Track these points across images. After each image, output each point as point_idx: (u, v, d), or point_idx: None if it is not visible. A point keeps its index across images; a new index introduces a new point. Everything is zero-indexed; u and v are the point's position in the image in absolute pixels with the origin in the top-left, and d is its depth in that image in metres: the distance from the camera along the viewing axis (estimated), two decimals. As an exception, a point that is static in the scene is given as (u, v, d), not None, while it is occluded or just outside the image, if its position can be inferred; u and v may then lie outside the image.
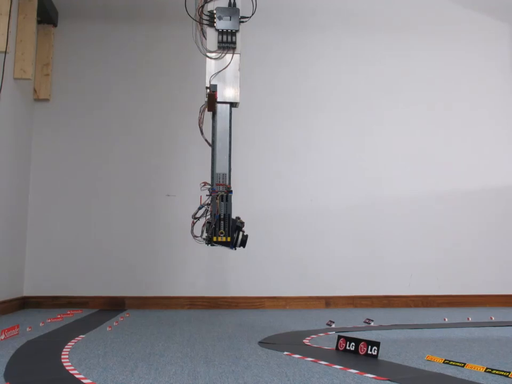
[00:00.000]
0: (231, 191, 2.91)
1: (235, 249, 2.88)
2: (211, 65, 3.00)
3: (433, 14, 4.47)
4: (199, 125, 3.03)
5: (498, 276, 4.23)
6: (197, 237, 2.85)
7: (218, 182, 2.93)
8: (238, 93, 2.98)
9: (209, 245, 2.81)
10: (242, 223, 2.91)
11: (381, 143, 4.27)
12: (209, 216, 2.88)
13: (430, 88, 4.38)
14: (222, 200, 2.88)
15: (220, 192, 2.90)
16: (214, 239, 2.80)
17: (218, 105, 2.98)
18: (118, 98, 4.09)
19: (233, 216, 2.85)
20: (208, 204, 2.94)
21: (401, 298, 4.08)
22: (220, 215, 2.85)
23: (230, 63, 2.97)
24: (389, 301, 4.06)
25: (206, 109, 3.02)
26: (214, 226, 2.81)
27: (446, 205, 4.26)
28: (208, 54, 2.99)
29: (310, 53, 4.30)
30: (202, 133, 3.03)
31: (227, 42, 2.96)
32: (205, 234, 2.86)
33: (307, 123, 4.22)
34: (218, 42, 2.98)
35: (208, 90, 2.94)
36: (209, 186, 3.02)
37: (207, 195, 2.95)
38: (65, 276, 3.85)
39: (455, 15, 4.49)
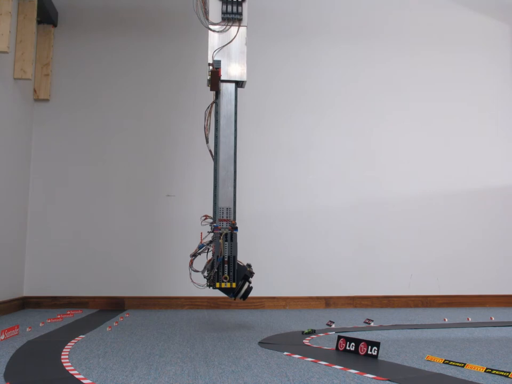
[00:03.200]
0: (236, 228, 2.55)
1: (234, 298, 2.60)
2: (214, 39, 2.63)
3: (434, 16, 4.47)
4: (204, 132, 2.72)
5: (498, 276, 4.23)
6: (197, 271, 2.58)
7: (221, 217, 2.57)
8: (245, 71, 2.63)
9: (211, 287, 2.54)
10: (252, 274, 2.61)
11: (381, 143, 4.27)
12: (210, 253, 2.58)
13: (430, 88, 4.38)
14: (226, 240, 2.52)
15: (224, 230, 2.54)
16: (217, 285, 2.49)
17: (223, 85, 2.62)
18: (118, 98, 4.09)
19: (241, 258, 2.57)
20: (210, 242, 2.59)
21: (401, 298, 4.08)
22: (223, 257, 2.51)
23: (235, 36, 2.61)
24: (389, 301, 4.07)
25: (211, 112, 2.71)
26: (216, 270, 2.49)
27: (446, 205, 4.26)
28: (211, 27, 2.63)
29: (311, 54, 4.30)
30: (207, 142, 2.71)
31: (232, 13, 2.59)
32: (206, 273, 2.55)
33: (308, 123, 4.22)
34: (223, 13, 2.60)
35: (210, 67, 2.57)
36: (211, 221, 2.66)
37: (208, 232, 2.63)
38: (65, 276, 3.85)
39: (456, 17, 4.49)
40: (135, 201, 3.99)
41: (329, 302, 4.01)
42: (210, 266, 2.53)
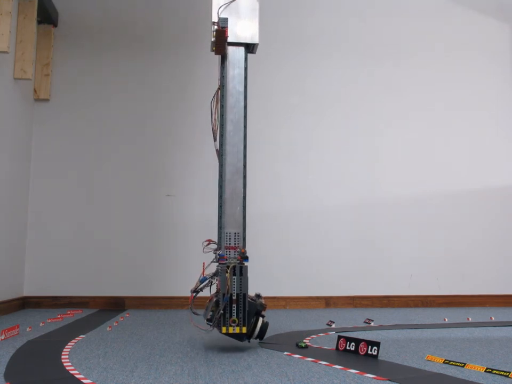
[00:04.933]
0: (246, 258, 2.12)
1: (249, 341, 2.15)
2: None
3: (434, 16, 4.47)
4: (212, 128, 2.30)
5: (498, 276, 4.23)
6: (197, 314, 2.14)
7: (228, 244, 2.14)
8: (257, 31, 2.25)
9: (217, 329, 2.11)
10: (264, 306, 2.15)
11: (381, 143, 4.27)
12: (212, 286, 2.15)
13: (430, 88, 4.38)
14: (235, 274, 2.08)
15: (231, 261, 2.11)
16: (224, 330, 2.05)
17: (230, 49, 2.23)
18: (118, 98, 4.09)
19: (250, 290, 2.12)
20: (214, 275, 2.16)
21: (401, 298, 4.08)
22: (231, 295, 2.06)
23: None
24: (389, 301, 4.07)
25: (217, 103, 2.30)
26: (222, 311, 2.04)
27: (446, 205, 4.26)
28: None
29: (312, 55, 4.30)
30: (215, 140, 2.29)
31: None
32: (209, 314, 2.09)
33: (308, 123, 4.22)
34: None
35: (215, 26, 2.19)
36: (215, 247, 2.24)
37: (212, 261, 2.19)
38: (65, 276, 3.85)
39: (456, 17, 4.49)
40: (135, 201, 3.99)
41: (329, 302, 4.01)
42: (214, 305, 2.09)
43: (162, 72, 4.14)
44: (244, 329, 2.06)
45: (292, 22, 4.31)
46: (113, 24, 4.16)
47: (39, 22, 3.92)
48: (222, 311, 2.05)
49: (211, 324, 2.07)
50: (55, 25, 4.05)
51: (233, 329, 2.05)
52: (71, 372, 1.70)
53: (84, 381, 1.58)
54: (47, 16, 3.92)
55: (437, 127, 4.34)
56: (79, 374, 1.67)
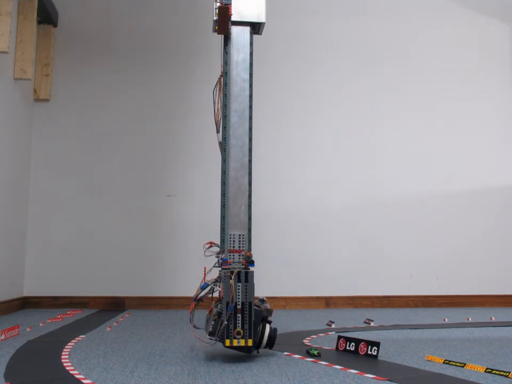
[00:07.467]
0: (251, 262, 1.95)
1: (258, 352, 1.96)
2: None
3: (434, 16, 4.47)
4: (215, 118, 2.11)
5: (498, 276, 4.23)
6: (198, 328, 1.98)
7: (231, 248, 1.95)
8: (263, 9, 2.04)
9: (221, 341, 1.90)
10: (270, 311, 1.98)
11: (381, 143, 4.27)
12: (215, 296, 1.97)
13: (430, 88, 4.38)
14: (239, 280, 1.90)
15: (235, 266, 1.93)
16: (227, 343, 1.85)
17: (233, 29, 2.05)
18: (118, 98, 4.09)
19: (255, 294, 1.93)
20: (216, 280, 1.99)
21: (401, 298, 4.08)
22: (235, 304, 1.87)
23: None
24: (389, 301, 4.07)
25: (220, 89, 2.11)
26: (226, 322, 1.85)
27: (446, 205, 4.26)
28: None
29: (312, 54, 4.30)
30: (218, 131, 2.11)
31: None
32: (211, 327, 1.91)
33: (309, 123, 4.22)
34: None
35: (218, 3, 2.00)
36: (217, 250, 2.07)
37: (214, 265, 2.02)
38: (65, 276, 3.85)
39: (456, 17, 4.49)
40: (135, 201, 3.99)
41: (329, 302, 4.00)
42: (217, 316, 1.90)
43: (163, 71, 4.14)
44: (250, 342, 1.87)
45: (292, 21, 4.31)
46: (114, 24, 4.16)
47: (39, 22, 3.92)
48: (226, 322, 1.85)
49: (213, 338, 1.88)
50: (55, 25, 4.05)
51: (238, 342, 1.85)
52: (71, 372, 1.70)
53: (84, 381, 1.58)
54: (47, 16, 3.92)
55: (437, 126, 4.34)
56: (79, 374, 1.67)
